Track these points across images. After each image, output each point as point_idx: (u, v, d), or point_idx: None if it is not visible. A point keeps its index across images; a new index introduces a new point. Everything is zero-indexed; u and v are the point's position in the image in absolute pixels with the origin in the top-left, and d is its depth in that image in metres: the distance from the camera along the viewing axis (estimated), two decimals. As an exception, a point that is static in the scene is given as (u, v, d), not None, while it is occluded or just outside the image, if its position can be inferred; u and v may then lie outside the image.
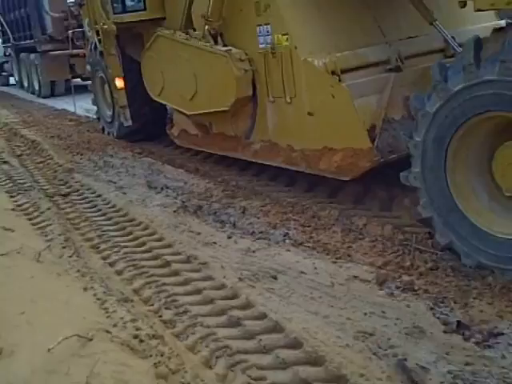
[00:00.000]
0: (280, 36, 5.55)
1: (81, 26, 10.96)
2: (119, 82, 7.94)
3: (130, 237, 4.96)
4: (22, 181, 6.81)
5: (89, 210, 5.79)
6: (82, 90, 13.29)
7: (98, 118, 9.74)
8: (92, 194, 6.29)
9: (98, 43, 8.12)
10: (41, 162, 7.81)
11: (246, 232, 4.87)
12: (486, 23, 6.44)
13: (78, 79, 15.60)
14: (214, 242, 4.68)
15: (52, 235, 4.90)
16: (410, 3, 5.90)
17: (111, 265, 4.38)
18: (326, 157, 5.30)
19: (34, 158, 8.13)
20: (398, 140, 5.29)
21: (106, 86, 8.99)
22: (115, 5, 7.74)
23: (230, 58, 5.94)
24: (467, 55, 3.77)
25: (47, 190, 6.48)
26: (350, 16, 5.76)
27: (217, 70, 6.17)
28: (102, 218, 5.51)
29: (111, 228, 5.19)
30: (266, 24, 5.70)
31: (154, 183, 6.49)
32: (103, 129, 9.48)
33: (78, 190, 6.41)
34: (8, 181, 6.83)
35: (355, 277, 3.92)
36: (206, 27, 6.29)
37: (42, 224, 5.23)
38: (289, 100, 5.65)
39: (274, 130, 6.01)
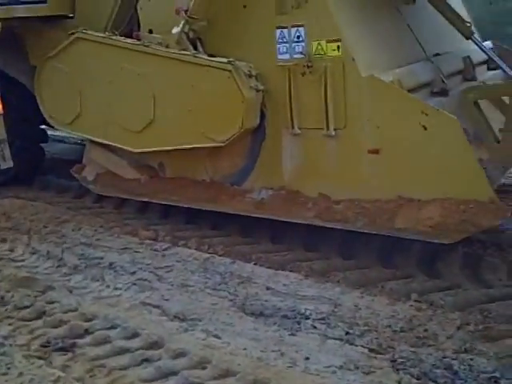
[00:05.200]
0: (324, 43, 3.95)
1: None
2: (-3, 106, 5.41)
3: None
4: None
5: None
6: None
7: None
8: (130, 338, 2.96)
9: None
10: None
11: None
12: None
13: None
14: None
15: None
16: (441, 16, 4.78)
17: None
18: (407, 211, 3.81)
19: None
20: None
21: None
22: (-2, -7, 5.27)
23: (235, 72, 4.12)
24: None
25: (15, 340, 3.00)
26: (389, 23, 4.44)
27: (208, 89, 4.26)
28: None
29: None
30: (295, 26, 4.04)
31: (255, 307, 3.29)
32: None
33: (90, 332, 3.05)
34: None
35: None
36: (182, 28, 4.36)
37: None
38: (332, 132, 4.05)
39: (297, 173, 4.31)
